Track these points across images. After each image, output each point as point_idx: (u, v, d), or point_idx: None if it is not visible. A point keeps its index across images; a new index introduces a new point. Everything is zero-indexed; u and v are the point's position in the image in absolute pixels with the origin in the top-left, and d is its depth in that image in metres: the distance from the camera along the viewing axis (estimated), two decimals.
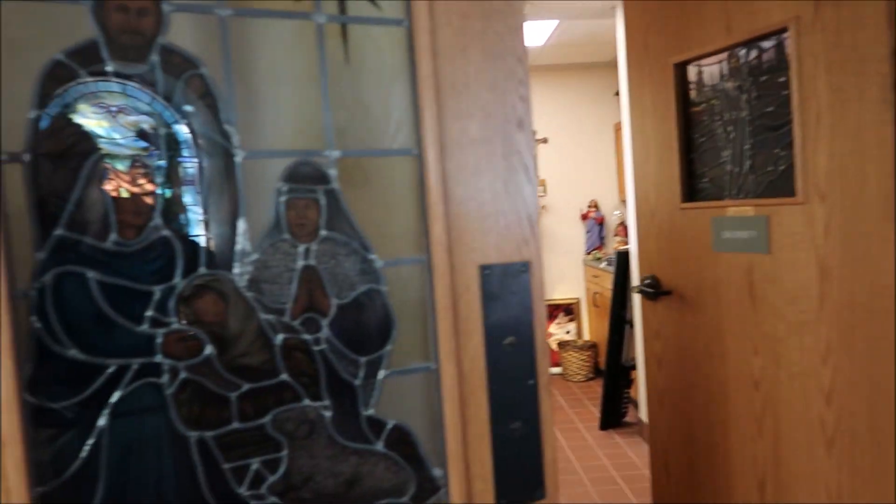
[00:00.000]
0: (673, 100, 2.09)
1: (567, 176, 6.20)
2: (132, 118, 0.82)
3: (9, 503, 0.72)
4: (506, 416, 1.00)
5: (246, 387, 0.87)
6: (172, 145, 0.84)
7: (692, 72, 2.07)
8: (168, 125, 0.83)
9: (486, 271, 0.97)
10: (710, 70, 1.99)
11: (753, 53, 1.84)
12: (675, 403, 2.27)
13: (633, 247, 4.07)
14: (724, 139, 1.97)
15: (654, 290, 2.27)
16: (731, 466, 2.02)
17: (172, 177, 0.84)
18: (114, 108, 0.81)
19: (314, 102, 0.91)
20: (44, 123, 0.78)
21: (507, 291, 0.99)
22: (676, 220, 2.15)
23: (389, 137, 0.96)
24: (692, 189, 2.11)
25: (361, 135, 0.95)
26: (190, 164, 0.84)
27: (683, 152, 2.10)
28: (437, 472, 0.98)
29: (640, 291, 2.33)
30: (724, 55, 1.93)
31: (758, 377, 1.89)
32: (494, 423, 0.99)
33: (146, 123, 0.83)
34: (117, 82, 0.81)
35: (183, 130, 0.84)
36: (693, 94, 2.07)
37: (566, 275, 6.25)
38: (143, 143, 0.82)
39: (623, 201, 5.94)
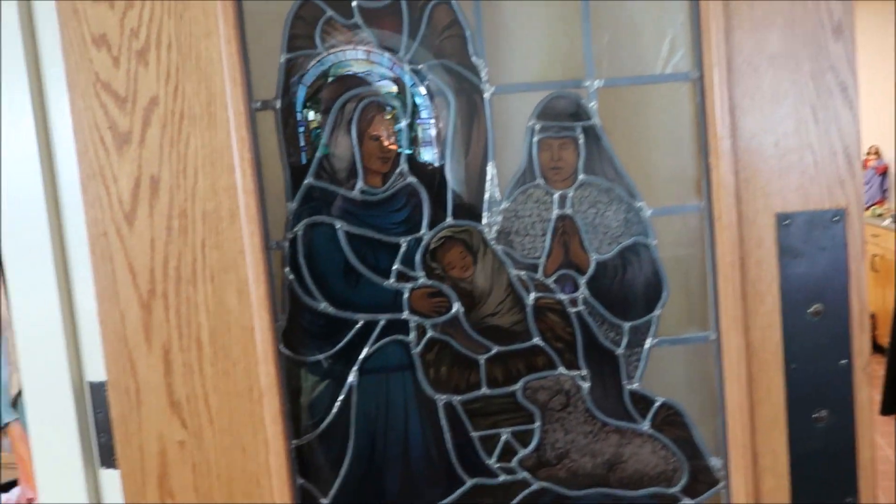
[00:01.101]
0: None
1: None
2: (374, 58, 0.76)
3: (267, 454, 0.72)
4: (808, 402, 0.81)
5: (495, 349, 0.80)
6: (418, 83, 0.76)
7: None
8: (412, 62, 0.76)
9: (784, 221, 0.78)
10: None
11: None
12: None
13: None
14: None
15: None
16: None
17: (418, 118, 0.77)
18: (360, 50, 0.76)
19: (571, 25, 0.78)
20: (293, 68, 0.75)
21: (814, 246, 0.78)
22: None
23: (661, 60, 0.80)
24: None
25: (627, 60, 0.80)
26: (437, 104, 0.77)
27: None
28: (714, 461, 0.83)
29: None
30: None
31: None
32: (792, 409, 0.81)
33: (389, 63, 0.77)
34: (360, 21, 0.75)
35: (429, 66, 0.76)
36: None
37: None
38: (389, 84, 0.76)
39: None
